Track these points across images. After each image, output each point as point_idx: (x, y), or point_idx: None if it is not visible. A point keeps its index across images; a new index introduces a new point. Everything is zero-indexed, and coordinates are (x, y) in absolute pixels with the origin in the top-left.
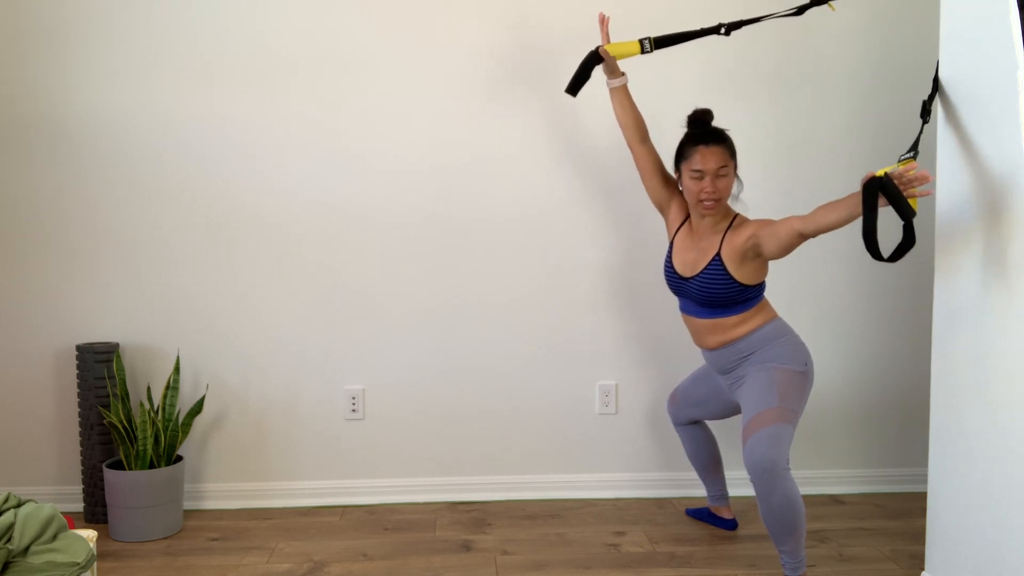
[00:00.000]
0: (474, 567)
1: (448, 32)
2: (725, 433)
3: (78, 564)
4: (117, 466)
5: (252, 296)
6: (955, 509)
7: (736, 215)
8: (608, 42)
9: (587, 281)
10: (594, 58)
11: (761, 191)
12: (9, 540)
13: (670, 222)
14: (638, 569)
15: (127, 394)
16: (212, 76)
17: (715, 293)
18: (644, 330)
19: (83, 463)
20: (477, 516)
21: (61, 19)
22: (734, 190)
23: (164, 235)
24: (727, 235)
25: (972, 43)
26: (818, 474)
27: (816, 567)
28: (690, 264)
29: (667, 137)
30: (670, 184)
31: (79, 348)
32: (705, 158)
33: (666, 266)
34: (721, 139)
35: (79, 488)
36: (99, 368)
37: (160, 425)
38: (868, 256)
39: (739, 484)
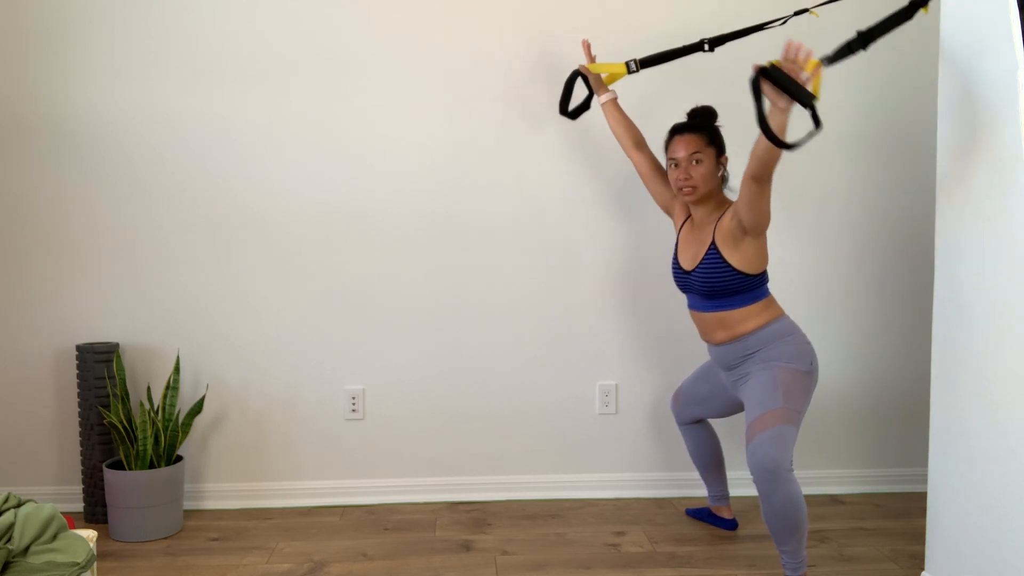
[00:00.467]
0: (474, 567)
1: (448, 31)
2: (726, 433)
3: (78, 564)
4: (117, 466)
5: (252, 296)
6: (955, 509)
7: (730, 204)
8: (591, 63)
9: (587, 281)
10: (575, 76)
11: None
12: (9, 540)
13: (676, 221)
14: (638, 569)
15: (127, 394)
16: (212, 76)
17: (716, 283)
18: (644, 330)
19: (83, 463)
20: (477, 516)
21: (61, 19)
22: (725, 177)
23: (164, 235)
24: (719, 223)
25: (972, 43)
26: (818, 474)
27: (816, 567)
28: (691, 257)
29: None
30: (671, 186)
31: (79, 348)
32: (677, 146)
33: (672, 263)
34: (696, 128)
35: (79, 488)
36: (99, 368)
37: (160, 425)
38: (868, 256)
39: (740, 484)
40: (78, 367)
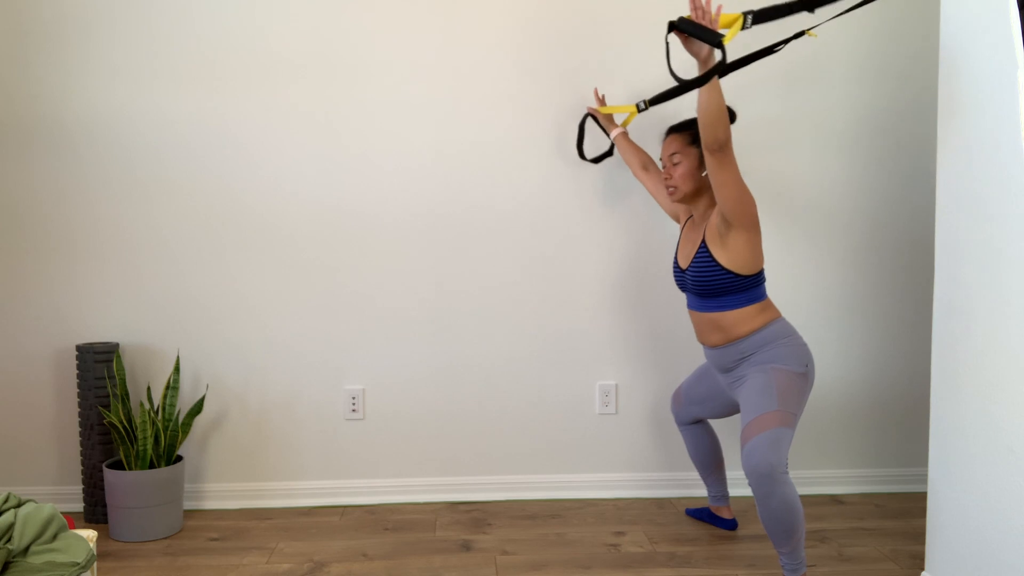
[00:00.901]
0: (474, 567)
1: (449, 31)
2: (726, 433)
3: (78, 564)
4: (117, 466)
5: (252, 296)
6: (955, 509)
7: None
8: (601, 103)
9: (588, 281)
10: (585, 118)
11: (762, 190)
12: (9, 540)
13: (680, 221)
14: (638, 569)
15: (127, 394)
16: (212, 75)
17: (706, 281)
18: (644, 330)
19: (83, 463)
20: (477, 516)
21: (61, 19)
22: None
23: (164, 235)
24: (709, 221)
25: (972, 43)
26: (818, 474)
27: (816, 567)
28: (686, 256)
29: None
30: None
31: (79, 348)
32: (662, 148)
33: (673, 262)
34: (679, 128)
35: (79, 488)
36: (99, 368)
37: (160, 425)
38: (868, 256)
39: (740, 484)
40: (78, 367)
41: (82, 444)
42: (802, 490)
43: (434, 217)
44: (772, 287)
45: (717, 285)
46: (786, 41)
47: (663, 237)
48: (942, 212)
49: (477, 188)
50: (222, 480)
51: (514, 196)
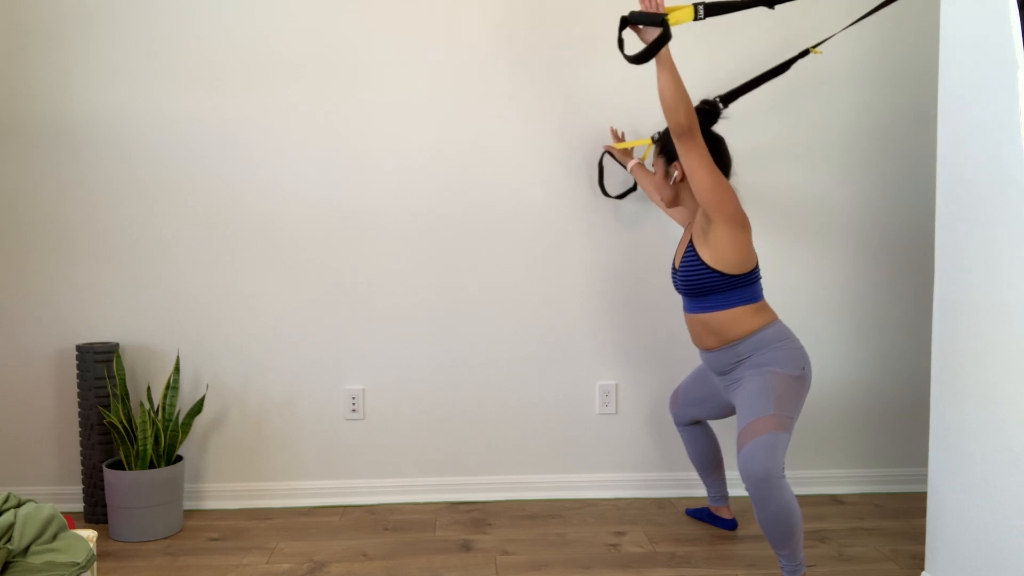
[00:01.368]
0: (474, 567)
1: (449, 31)
2: (726, 434)
3: (78, 564)
4: (117, 466)
5: (252, 296)
6: (955, 509)
7: None
8: (617, 140)
9: (588, 281)
10: (603, 155)
11: (762, 190)
12: (9, 540)
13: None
14: (638, 569)
15: (127, 394)
16: (212, 75)
17: (693, 280)
18: (644, 330)
19: (83, 463)
20: (477, 516)
21: (61, 19)
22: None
23: (164, 235)
24: (696, 219)
25: (972, 43)
26: (818, 474)
27: (816, 567)
28: (678, 256)
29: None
30: None
31: (79, 348)
32: None
33: (671, 265)
34: (654, 141)
35: (79, 488)
36: (99, 368)
37: (160, 425)
38: (868, 256)
39: (739, 484)
40: (78, 367)
41: (82, 444)
42: (802, 490)
43: (434, 217)
44: (771, 287)
45: (703, 284)
46: (792, 61)
47: (663, 237)
48: (942, 212)
49: (477, 188)
50: (222, 480)
51: (514, 196)
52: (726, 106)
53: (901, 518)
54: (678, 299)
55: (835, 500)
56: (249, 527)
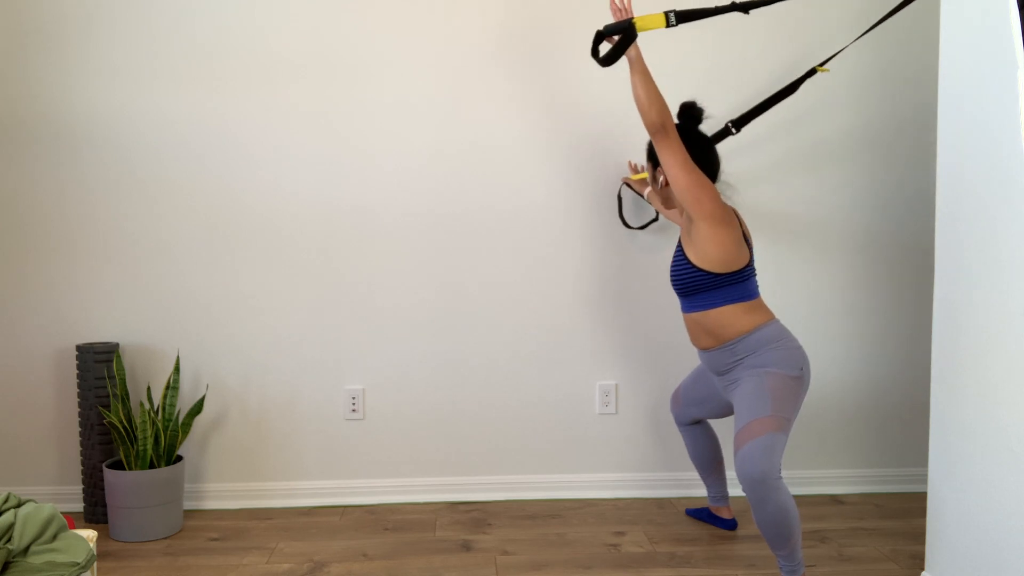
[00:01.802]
0: (474, 567)
1: (448, 31)
2: (727, 434)
3: (78, 564)
4: (117, 466)
5: (252, 296)
6: (955, 509)
7: None
8: (634, 171)
9: (587, 281)
10: (621, 187)
11: (763, 191)
12: (9, 540)
13: None
14: (638, 569)
15: (127, 394)
16: (212, 75)
17: (680, 279)
18: (644, 330)
19: (83, 463)
20: (477, 516)
21: (61, 19)
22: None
23: (164, 235)
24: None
25: (972, 43)
26: (818, 474)
27: (816, 567)
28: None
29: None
30: None
31: (79, 348)
32: None
33: None
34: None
35: (79, 488)
36: (99, 368)
37: (160, 425)
38: (867, 256)
39: (739, 485)
40: (78, 367)
41: (82, 444)
42: (802, 490)
43: (434, 217)
44: (772, 287)
45: (692, 283)
46: (800, 81)
47: (663, 238)
48: (942, 212)
49: (477, 188)
50: (222, 480)
51: (514, 196)
52: (738, 131)
53: (901, 518)
54: (677, 299)
55: (835, 500)
56: (249, 527)
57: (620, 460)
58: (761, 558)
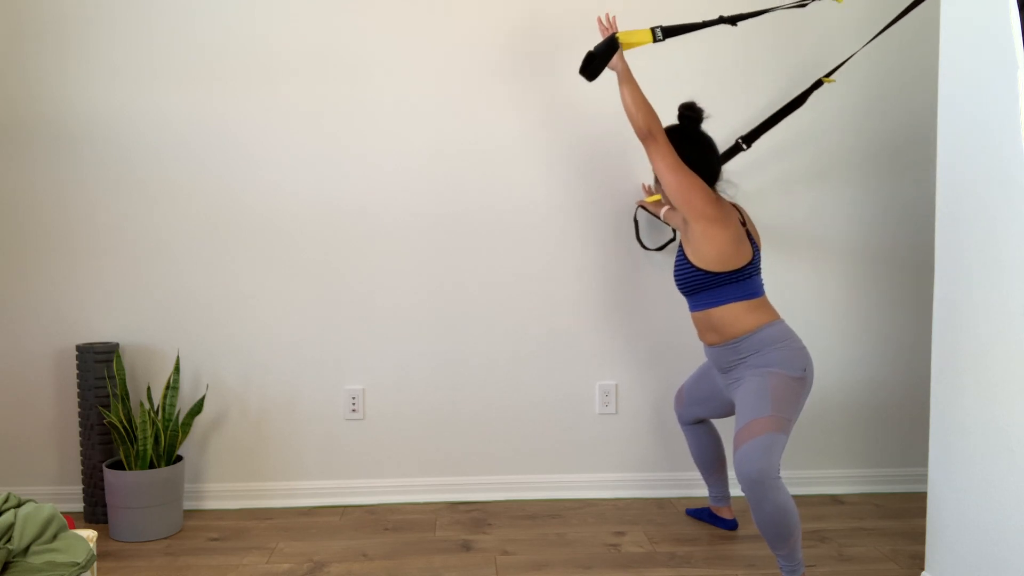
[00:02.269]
0: (474, 567)
1: (448, 31)
2: (729, 433)
3: (78, 564)
4: (117, 466)
5: (252, 296)
6: (955, 509)
7: None
8: (649, 194)
9: (587, 281)
10: (637, 210)
11: (761, 191)
12: (9, 540)
13: None
14: (638, 569)
15: (127, 394)
16: (213, 75)
17: (681, 278)
18: (644, 330)
19: (83, 463)
20: (477, 516)
21: (61, 19)
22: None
23: (164, 235)
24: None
25: (972, 43)
26: (818, 474)
27: (816, 567)
28: None
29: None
30: None
31: (79, 348)
32: None
33: None
34: None
35: (79, 488)
36: (99, 368)
37: (160, 425)
38: (867, 256)
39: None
40: (78, 367)
41: (82, 444)
42: (802, 490)
43: (434, 217)
44: (773, 287)
45: (692, 282)
46: (807, 93)
47: (663, 237)
48: (942, 212)
49: (477, 188)
50: (222, 480)
51: (514, 196)
52: (749, 146)
53: (901, 518)
54: (679, 299)
55: (835, 500)
56: (249, 527)
57: (620, 460)
58: (761, 558)
